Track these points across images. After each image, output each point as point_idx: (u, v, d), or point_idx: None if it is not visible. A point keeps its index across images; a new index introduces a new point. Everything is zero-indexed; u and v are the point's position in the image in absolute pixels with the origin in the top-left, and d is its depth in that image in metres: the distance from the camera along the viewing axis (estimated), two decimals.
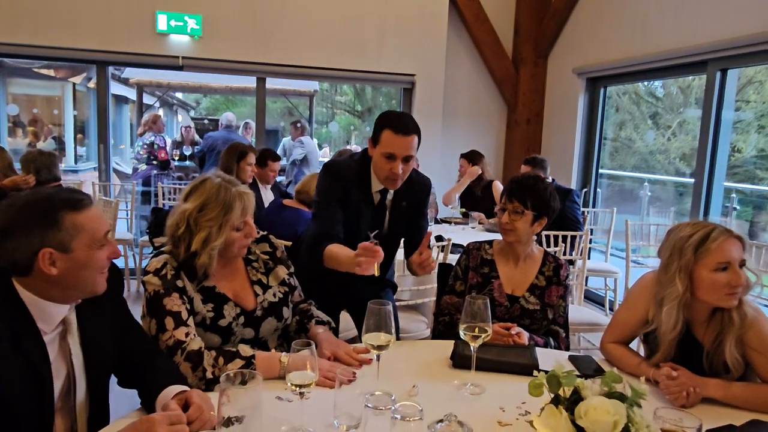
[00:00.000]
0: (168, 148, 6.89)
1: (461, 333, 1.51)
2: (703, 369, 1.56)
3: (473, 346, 1.52)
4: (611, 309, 4.75)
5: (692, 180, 4.35)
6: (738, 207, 6.24)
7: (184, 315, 1.55)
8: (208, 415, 1.25)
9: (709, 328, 1.59)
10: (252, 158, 3.67)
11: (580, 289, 3.88)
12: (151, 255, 1.66)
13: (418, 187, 2.23)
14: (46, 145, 9.09)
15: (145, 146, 6.33)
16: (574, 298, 3.88)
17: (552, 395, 0.91)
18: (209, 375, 1.46)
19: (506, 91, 5.91)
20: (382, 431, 1.26)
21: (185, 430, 1.10)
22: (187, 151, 7.29)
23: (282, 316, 1.78)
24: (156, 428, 1.07)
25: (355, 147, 12.72)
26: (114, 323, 1.42)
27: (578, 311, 3.47)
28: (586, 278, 4.33)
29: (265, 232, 1.88)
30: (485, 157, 4.88)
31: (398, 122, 1.99)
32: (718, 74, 3.94)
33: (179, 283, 1.59)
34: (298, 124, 6.93)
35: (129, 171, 7.33)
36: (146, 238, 4.86)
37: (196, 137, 7.62)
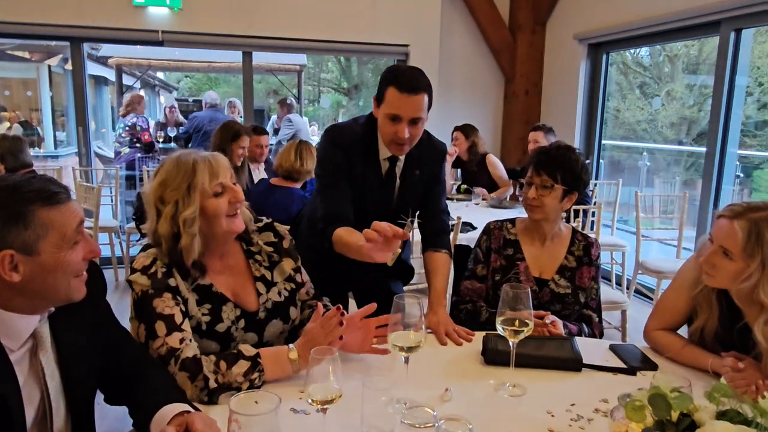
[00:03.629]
0: (152, 129, 6.59)
1: (499, 327, 1.32)
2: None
3: (513, 341, 1.33)
4: (618, 284, 4.62)
5: (697, 149, 4.18)
6: (741, 174, 6.12)
7: (178, 318, 1.33)
8: None
9: (756, 308, 1.41)
10: (245, 141, 3.43)
11: None
12: (140, 248, 1.44)
13: (432, 154, 1.95)
14: (12, 130, 8.71)
15: (127, 128, 6.03)
16: None
17: (657, 426, 0.72)
18: (212, 384, 1.25)
19: (503, 62, 5.67)
20: None
21: None
22: (172, 133, 6.99)
23: (289, 318, 1.57)
24: None
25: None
26: (96, 331, 1.20)
27: None
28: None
29: (270, 220, 1.65)
30: (479, 131, 4.69)
31: (404, 78, 1.71)
32: (732, 35, 3.73)
33: (171, 282, 1.36)
34: (287, 102, 6.65)
35: (111, 155, 7.04)
36: (133, 224, 4.62)
37: (181, 118, 7.31)
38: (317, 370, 1.04)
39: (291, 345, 1.38)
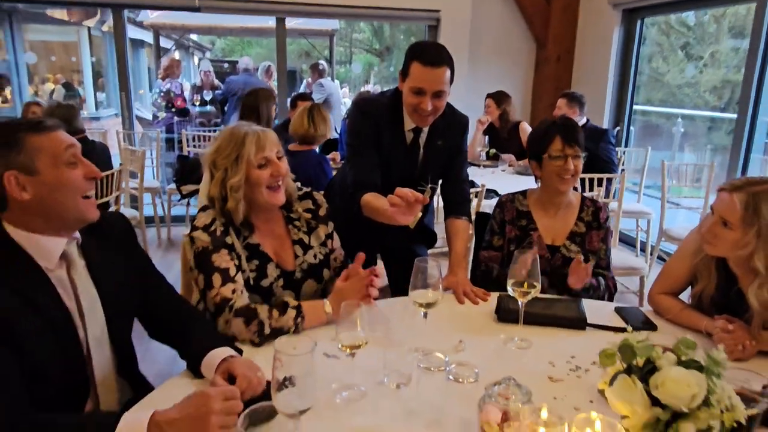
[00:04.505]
0: (187, 94, 6.79)
1: (509, 289, 1.48)
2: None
3: (521, 301, 1.48)
4: (642, 250, 4.68)
5: (731, 115, 4.15)
6: None
7: (232, 271, 1.53)
8: (256, 378, 1.23)
9: (751, 274, 1.52)
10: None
11: (614, 233, 3.81)
12: (198, 208, 1.64)
13: (454, 125, 2.08)
14: (56, 93, 9.03)
15: (162, 94, 6.25)
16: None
17: (625, 368, 0.88)
18: (267, 330, 1.45)
19: (536, 27, 5.62)
20: (434, 390, 1.25)
21: (239, 405, 1.08)
22: (208, 96, 7.18)
23: (322, 278, 1.76)
24: (212, 404, 1.04)
25: (374, 88, 12.41)
26: (129, 266, 1.38)
27: (614, 255, 3.41)
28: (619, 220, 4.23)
29: (309, 189, 1.82)
30: (512, 98, 4.72)
31: (428, 53, 1.84)
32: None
33: (228, 240, 1.57)
34: (319, 67, 6.74)
35: (149, 117, 7.29)
36: (173, 186, 4.88)
37: (216, 81, 7.48)
38: (347, 321, 1.22)
39: (326, 300, 1.57)
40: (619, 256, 3.55)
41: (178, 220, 5.17)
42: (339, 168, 2.66)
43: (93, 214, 1.25)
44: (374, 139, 2.01)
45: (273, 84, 6.61)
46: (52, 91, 9.40)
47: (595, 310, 1.70)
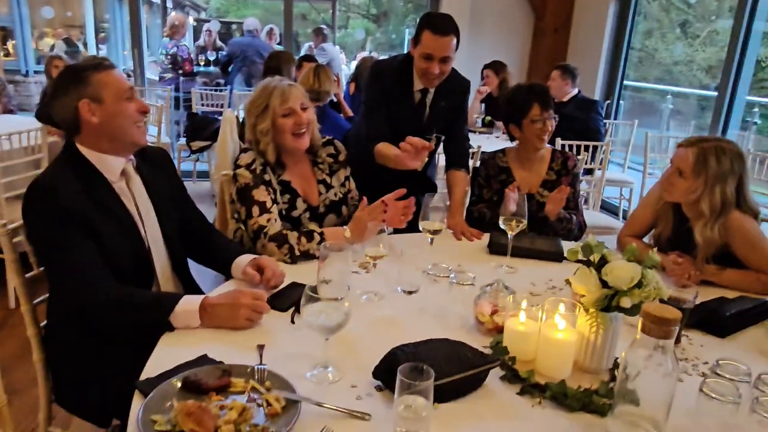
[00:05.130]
0: (192, 55, 6.95)
1: (501, 223, 1.78)
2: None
3: (510, 234, 1.79)
4: (624, 217, 5.02)
5: (716, 93, 4.44)
6: (758, 121, 6.30)
7: (269, 204, 1.83)
8: (279, 271, 1.57)
9: (703, 221, 1.83)
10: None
11: (597, 197, 4.13)
12: (241, 151, 1.92)
13: (457, 88, 2.39)
14: (56, 48, 9.07)
15: (168, 56, 6.42)
16: (590, 204, 4.13)
17: (585, 260, 1.19)
18: (296, 252, 1.76)
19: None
20: (440, 293, 1.57)
21: (264, 305, 1.39)
22: (211, 57, 7.34)
23: (341, 213, 2.06)
24: (243, 299, 1.37)
25: (370, 56, 12.50)
26: (172, 185, 1.70)
27: (594, 217, 3.74)
28: (603, 187, 4.55)
29: (331, 137, 2.11)
30: (508, 66, 4.97)
31: (437, 23, 2.14)
32: None
33: (266, 177, 1.86)
34: (322, 31, 6.91)
35: (149, 74, 7.45)
36: (182, 142, 5.12)
37: (219, 42, 7.62)
38: (372, 240, 1.53)
39: (345, 227, 1.87)
40: (600, 217, 3.89)
41: (186, 175, 5.43)
42: (353, 126, 2.94)
43: (143, 139, 1.56)
44: (386, 98, 2.31)
45: (276, 47, 6.79)
46: (52, 46, 9.43)
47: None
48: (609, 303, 1.15)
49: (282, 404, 1.05)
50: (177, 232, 1.68)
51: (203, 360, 1.19)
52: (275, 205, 1.86)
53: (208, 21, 9.72)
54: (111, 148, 1.50)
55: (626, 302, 1.12)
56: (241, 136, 3.42)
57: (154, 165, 1.66)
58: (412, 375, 0.99)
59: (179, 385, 1.08)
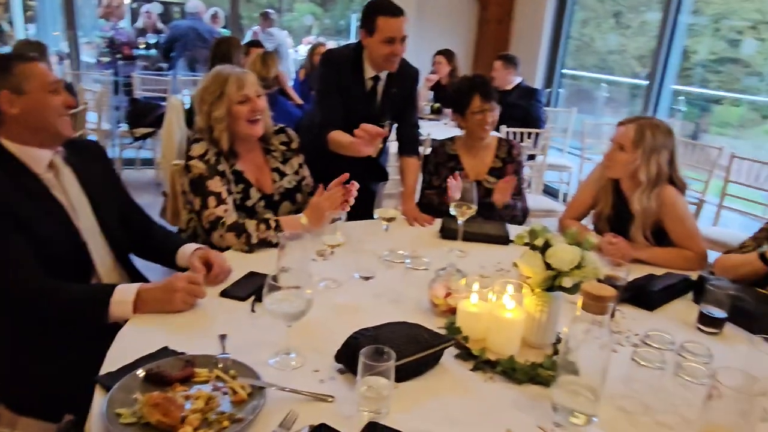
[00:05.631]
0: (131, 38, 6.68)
1: (452, 209, 1.86)
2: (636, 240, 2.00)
3: (461, 219, 1.88)
4: (564, 200, 5.26)
5: (646, 82, 4.70)
6: (684, 109, 6.69)
7: (224, 195, 1.83)
8: (226, 265, 1.58)
9: (640, 198, 2.00)
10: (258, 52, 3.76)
11: (539, 181, 4.31)
12: (192, 141, 1.90)
13: (407, 76, 2.46)
14: None
15: (106, 40, 6.15)
16: (533, 188, 4.31)
17: (531, 244, 1.28)
18: (254, 240, 1.78)
19: None
20: (396, 278, 1.64)
21: (200, 290, 1.43)
22: (151, 40, 7.07)
23: (296, 201, 2.08)
24: (178, 284, 1.40)
25: (316, 40, 12.34)
26: (106, 176, 1.69)
27: (536, 200, 3.91)
28: (544, 172, 4.75)
29: (283, 125, 2.12)
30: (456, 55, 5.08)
31: (389, 6, 2.22)
32: None
33: (220, 167, 1.85)
34: (269, 15, 6.79)
35: (85, 57, 7.10)
36: (124, 128, 4.95)
37: (159, 24, 7.35)
38: (329, 228, 1.57)
39: (301, 214, 1.90)
40: (542, 201, 4.07)
41: (128, 163, 5.25)
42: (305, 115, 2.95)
43: (68, 131, 1.55)
44: (338, 86, 2.34)
45: (221, 30, 6.62)
46: None
47: (516, 231, 2.12)
48: (552, 283, 1.24)
49: (247, 391, 1.09)
50: (117, 222, 1.67)
51: (164, 352, 1.20)
52: (230, 195, 1.87)
53: (146, 1, 9.34)
54: (34, 140, 1.48)
55: (568, 282, 1.22)
56: (189, 123, 3.36)
57: (86, 157, 1.64)
58: (374, 357, 1.05)
59: (142, 377, 1.10)
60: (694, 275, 1.77)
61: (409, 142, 2.52)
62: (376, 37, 2.22)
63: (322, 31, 15.37)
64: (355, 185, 1.86)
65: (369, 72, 2.36)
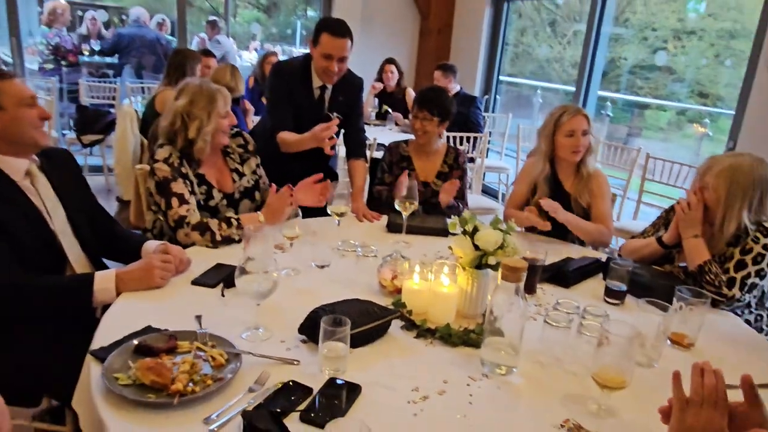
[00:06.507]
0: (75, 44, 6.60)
1: (396, 205, 2.10)
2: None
3: (405, 214, 2.11)
4: (502, 200, 5.62)
5: (573, 88, 5.12)
6: (611, 114, 7.24)
7: (187, 195, 1.99)
8: (186, 257, 1.74)
9: (574, 181, 2.39)
10: (211, 61, 3.91)
11: (478, 182, 4.63)
12: (157, 146, 2.05)
13: (352, 85, 2.71)
14: None
15: (50, 47, 6.07)
16: (473, 189, 4.63)
17: (462, 231, 1.53)
18: (218, 237, 1.95)
19: (420, 1, 6.25)
20: (348, 266, 1.85)
21: (172, 266, 1.63)
22: (96, 46, 7.01)
23: (255, 198, 2.27)
24: (154, 261, 1.59)
25: (261, 47, 12.40)
26: (77, 183, 1.83)
27: (477, 200, 4.22)
28: (484, 174, 5.08)
29: (238, 129, 2.30)
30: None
31: (335, 27, 2.44)
32: None
33: (184, 170, 2.01)
34: (216, 23, 6.86)
35: (28, 64, 6.94)
36: (71, 135, 4.94)
37: (103, 30, 7.28)
38: (288, 222, 1.77)
39: (259, 212, 2.08)
40: (481, 200, 4.38)
41: None
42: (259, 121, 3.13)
43: (45, 140, 1.68)
44: (288, 94, 2.56)
45: (168, 38, 6.65)
46: None
47: None
48: (480, 262, 1.49)
49: (225, 357, 1.27)
50: (87, 223, 1.81)
51: (149, 330, 1.37)
52: (193, 195, 2.03)
53: (84, 7, 9.16)
54: (11, 150, 1.61)
55: (492, 260, 1.48)
56: (143, 132, 3.47)
57: (57, 164, 1.78)
58: (333, 324, 1.26)
59: (132, 349, 1.26)
60: (603, 257, 2.07)
61: (356, 146, 2.75)
62: (318, 50, 2.45)
63: (267, 38, 15.40)
64: (329, 182, 2.08)
65: (317, 82, 2.59)
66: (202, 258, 1.81)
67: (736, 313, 1.89)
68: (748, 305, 1.95)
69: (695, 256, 1.93)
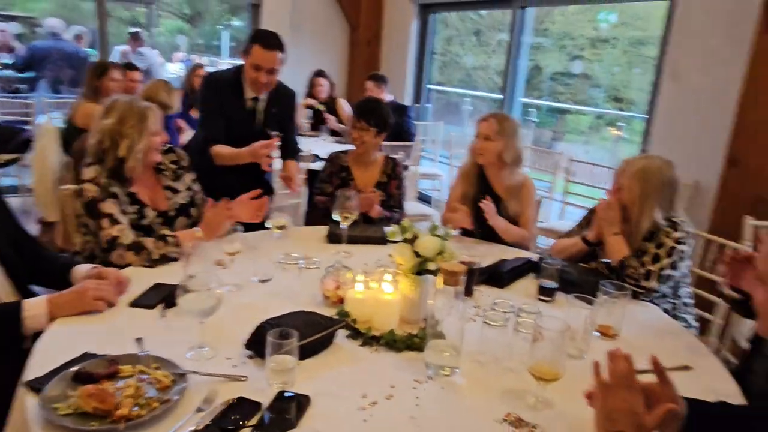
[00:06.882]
0: None
1: (336, 215, 2.13)
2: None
3: (344, 225, 2.14)
4: (437, 206, 5.75)
5: (501, 96, 5.35)
6: (536, 120, 7.60)
7: (117, 215, 1.93)
8: (125, 280, 1.70)
9: (504, 187, 2.53)
10: (116, 73, 3.76)
11: (413, 189, 4.72)
12: (84, 166, 1.97)
13: (285, 97, 2.74)
14: None
15: None
16: (408, 196, 4.72)
17: (402, 239, 1.58)
18: (155, 256, 1.90)
19: (349, 13, 6.33)
20: (290, 279, 1.86)
21: (109, 289, 1.58)
22: (6, 59, 6.59)
23: (191, 215, 2.23)
24: (88, 284, 1.55)
25: (187, 57, 12.09)
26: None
27: (412, 207, 4.30)
28: (418, 181, 5.19)
29: (171, 145, 2.26)
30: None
31: (266, 38, 2.47)
32: (519, 11, 4.84)
33: (113, 189, 1.95)
34: (138, 35, 6.64)
35: None
36: None
37: (13, 42, 6.86)
38: (228, 237, 1.76)
39: (197, 228, 2.05)
40: (417, 207, 4.48)
41: None
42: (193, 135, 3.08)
43: None
44: (221, 106, 2.57)
45: (87, 51, 6.37)
46: None
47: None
48: (421, 268, 1.55)
49: (171, 379, 1.25)
50: (10, 245, 1.72)
51: (87, 356, 1.33)
52: (124, 215, 1.97)
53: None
54: None
55: (432, 266, 1.54)
56: (65, 149, 3.31)
57: None
58: (280, 337, 1.27)
59: (71, 377, 1.22)
60: (535, 257, 2.19)
61: (290, 152, 2.79)
62: (248, 61, 2.48)
63: (192, 49, 15.01)
64: (266, 198, 2.09)
65: (249, 93, 2.59)
66: (139, 279, 1.77)
67: (655, 303, 2.05)
68: (665, 295, 2.12)
69: (616, 252, 2.08)
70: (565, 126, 8.56)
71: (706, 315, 2.44)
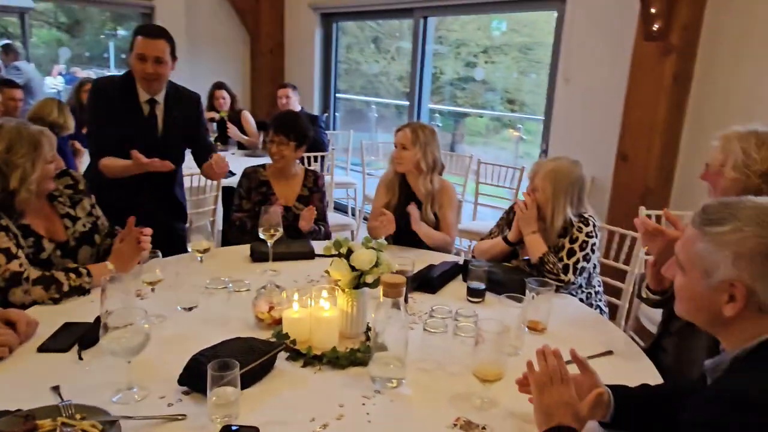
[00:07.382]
0: None
1: (261, 233, 2.05)
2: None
3: (270, 242, 2.08)
4: (353, 214, 5.76)
5: (407, 102, 5.46)
6: (440, 124, 7.85)
7: (13, 249, 1.74)
8: (34, 321, 1.55)
9: (425, 192, 2.57)
10: (15, 93, 3.43)
11: (329, 199, 4.69)
12: None
13: (187, 99, 2.59)
14: None
15: None
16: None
17: (337, 254, 1.55)
18: (65, 288, 1.74)
19: (248, 22, 6.18)
20: (219, 304, 1.76)
21: (9, 339, 1.44)
22: None
23: (95, 243, 2.05)
24: None
25: (66, 70, 11.21)
26: None
27: (331, 217, 4.25)
28: (333, 191, 5.16)
29: (64, 167, 2.06)
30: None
31: (148, 29, 2.39)
32: (422, 20, 4.98)
33: (2, 222, 1.74)
34: (12, 48, 6.07)
35: None
36: None
37: None
38: (147, 265, 1.64)
39: (108, 262, 1.89)
40: (335, 217, 4.45)
41: None
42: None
43: None
44: (111, 114, 2.39)
45: None
46: None
47: (321, 246, 2.40)
48: (358, 281, 1.53)
49: (99, 428, 1.14)
50: None
51: None
52: (20, 249, 1.78)
53: None
54: None
55: (370, 279, 1.53)
56: None
57: None
58: (220, 369, 1.20)
59: None
60: (461, 260, 2.24)
61: (206, 159, 2.56)
62: (133, 54, 2.34)
63: (75, 60, 13.96)
64: (147, 230, 1.91)
65: (143, 95, 2.42)
66: (42, 319, 1.59)
67: (572, 294, 2.17)
68: (580, 286, 2.25)
69: (535, 249, 2.18)
70: (464, 128, 8.93)
71: (615, 300, 2.63)
